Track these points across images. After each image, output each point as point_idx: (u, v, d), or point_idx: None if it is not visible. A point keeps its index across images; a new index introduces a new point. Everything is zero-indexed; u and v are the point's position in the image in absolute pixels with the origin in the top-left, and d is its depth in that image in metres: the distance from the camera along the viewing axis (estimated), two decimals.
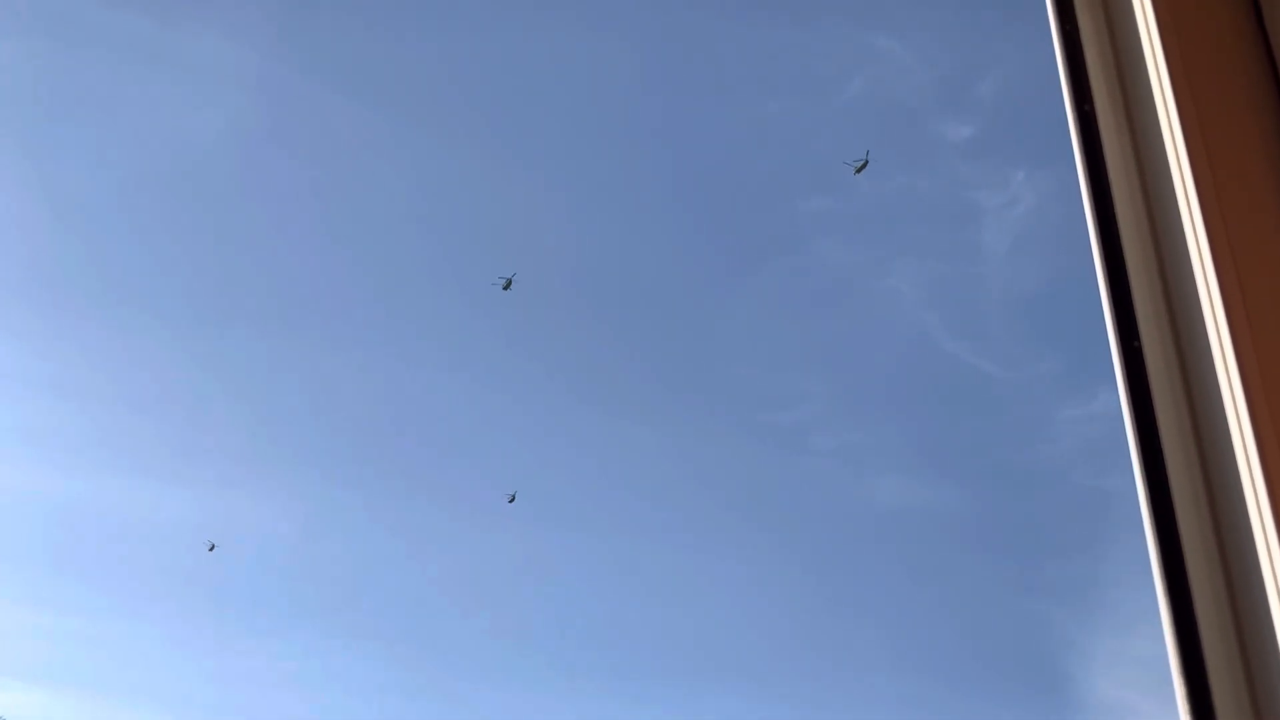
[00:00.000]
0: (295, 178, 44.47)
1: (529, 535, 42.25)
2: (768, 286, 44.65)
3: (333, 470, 46.42)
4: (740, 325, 44.05)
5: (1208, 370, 1.86)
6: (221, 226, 44.48)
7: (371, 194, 44.58)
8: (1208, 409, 1.85)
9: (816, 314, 46.10)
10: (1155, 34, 2.10)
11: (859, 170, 43.05)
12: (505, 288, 41.11)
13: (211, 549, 39.66)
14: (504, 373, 44.99)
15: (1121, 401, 1.93)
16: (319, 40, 43.46)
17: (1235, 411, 1.79)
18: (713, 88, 44.57)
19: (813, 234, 45.34)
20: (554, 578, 45.16)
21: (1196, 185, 1.94)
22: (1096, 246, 2.08)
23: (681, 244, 43.36)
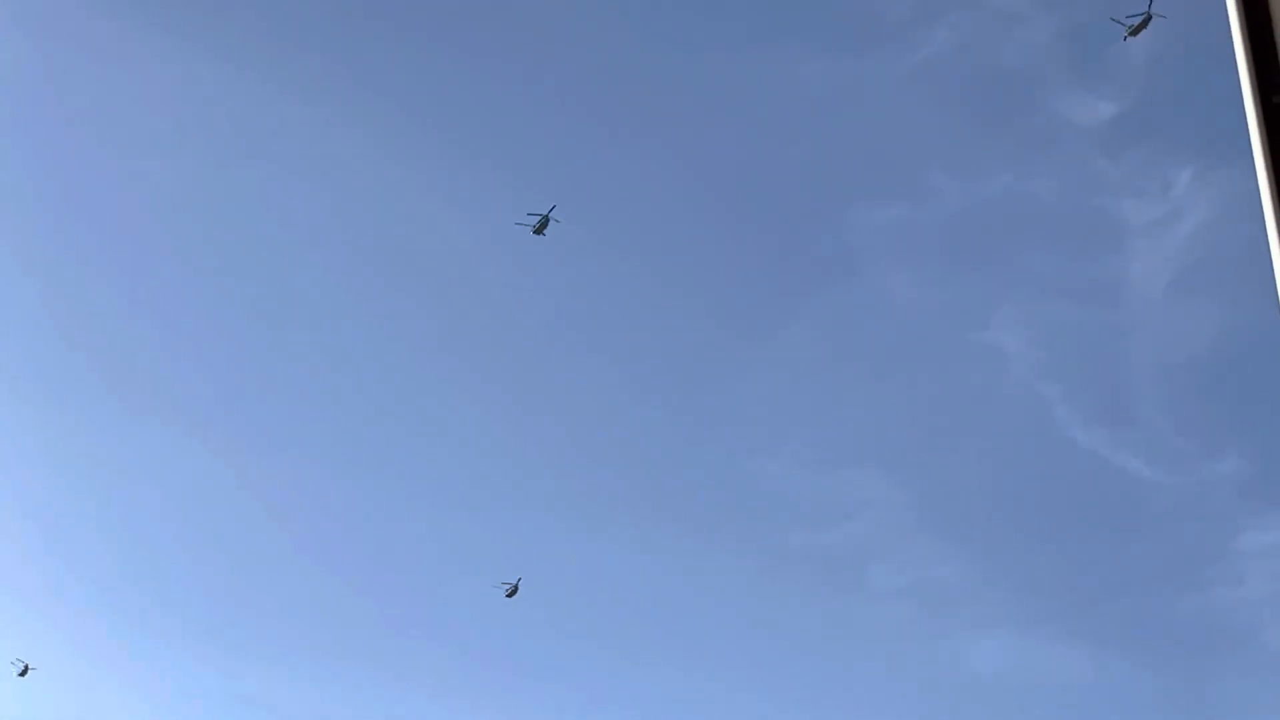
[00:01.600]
0: None
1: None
2: (806, 336, 32.81)
3: None
4: (767, 396, 32.72)
5: None
6: None
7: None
8: None
9: (877, 379, 31.00)
10: None
11: (1133, 33, 27.61)
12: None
13: (24, 672, 38.16)
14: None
15: None
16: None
17: None
18: (720, 39, 32.66)
19: (873, 257, 31.17)
20: None
21: None
22: None
23: (686, 272, 33.95)
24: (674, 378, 35.79)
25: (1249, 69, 1.68)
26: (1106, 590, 30.42)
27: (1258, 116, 1.69)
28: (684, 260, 35.86)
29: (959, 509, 32.15)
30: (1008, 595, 31.17)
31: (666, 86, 35.15)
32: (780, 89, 33.24)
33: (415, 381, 39.35)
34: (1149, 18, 29.35)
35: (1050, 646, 30.39)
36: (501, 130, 36.79)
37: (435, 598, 37.67)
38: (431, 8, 36.99)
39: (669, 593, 34.29)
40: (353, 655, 38.88)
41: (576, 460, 36.97)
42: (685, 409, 35.28)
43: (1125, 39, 29.56)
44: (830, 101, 32.74)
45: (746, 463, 32.80)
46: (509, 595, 35.44)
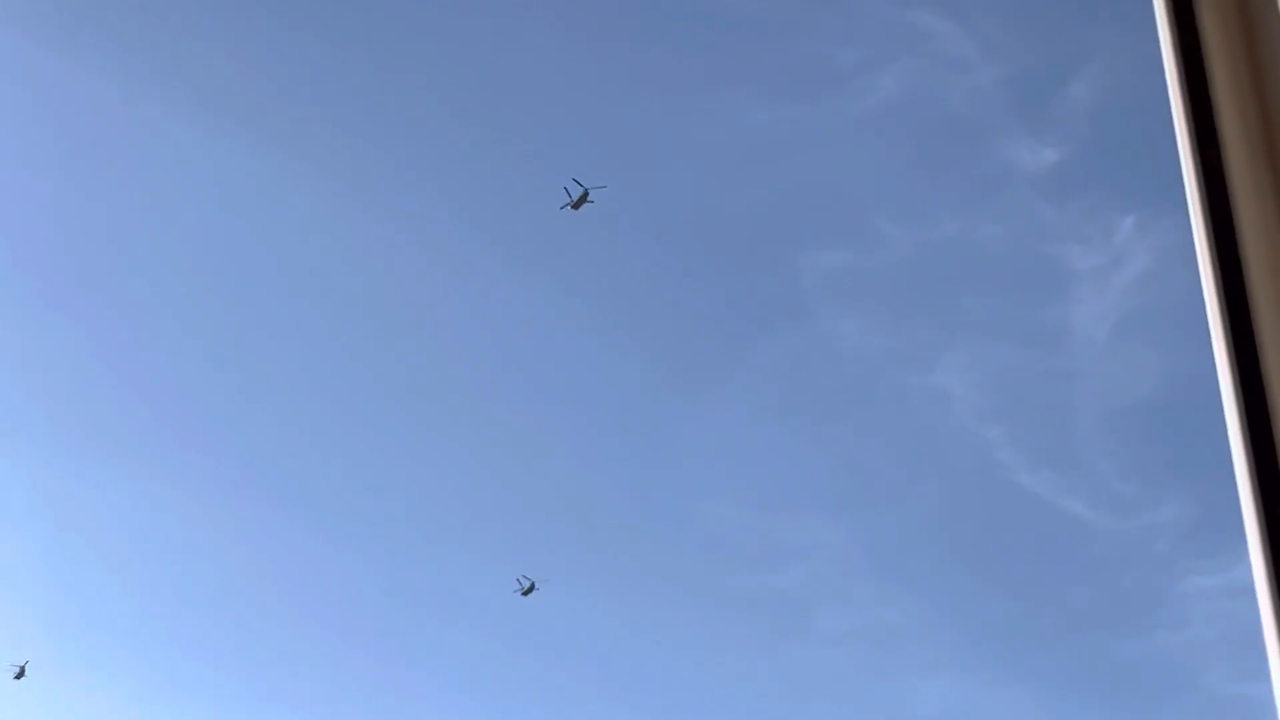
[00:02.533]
0: None
1: None
2: (754, 381, 31.73)
3: None
4: (715, 438, 31.89)
5: None
6: None
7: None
8: None
9: (824, 423, 30.80)
10: None
11: (525, 593, 29.59)
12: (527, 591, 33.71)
13: (20, 674, 36.73)
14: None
15: (1256, 572, 1.44)
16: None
17: None
18: (685, 84, 32.40)
19: (821, 302, 31.01)
20: None
21: None
22: (1221, 345, 1.49)
23: (633, 313, 33.28)
24: (621, 420, 35.45)
25: (1185, 120, 1.59)
26: (1051, 633, 29.85)
27: (1194, 172, 1.59)
28: (632, 303, 35.60)
29: (905, 552, 31.34)
30: (954, 638, 30.56)
31: (614, 131, 35.17)
32: (728, 134, 33.39)
33: (352, 420, 38.55)
34: (586, 194, 29.83)
35: (995, 689, 29.85)
36: (446, 169, 36.36)
37: (369, 640, 36.79)
38: (381, 32, 36.48)
39: (611, 635, 33.55)
40: (287, 697, 37.92)
41: (518, 501, 36.42)
42: (631, 451, 34.77)
43: (564, 207, 30.33)
44: (778, 147, 32.74)
45: (692, 505, 32.29)
46: (524, 594, 32.73)
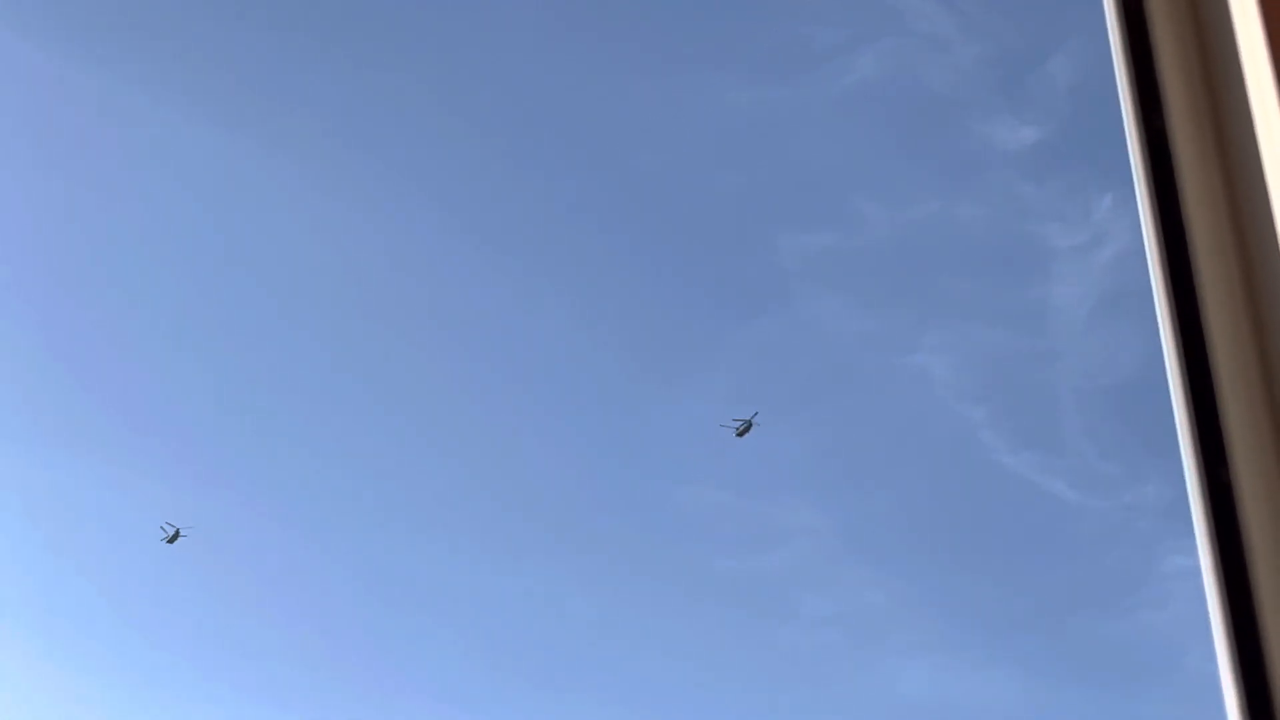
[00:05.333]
0: None
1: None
2: (734, 363, 31.71)
3: None
4: (694, 423, 30.94)
5: None
6: None
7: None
8: None
9: (805, 405, 30.60)
10: (1258, 13, 1.45)
11: (740, 433, 28.72)
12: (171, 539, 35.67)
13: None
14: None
15: (1202, 556, 1.45)
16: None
17: None
18: (663, 66, 32.32)
19: (802, 285, 30.78)
20: None
21: None
22: (1166, 319, 1.50)
23: (611, 299, 33.15)
24: (601, 404, 35.50)
25: (1129, 89, 1.57)
26: (1034, 614, 29.78)
27: (1138, 141, 1.57)
28: (612, 286, 35.63)
29: (888, 534, 31.29)
30: (936, 620, 30.52)
31: (593, 113, 35.14)
32: (707, 116, 33.47)
33: (329, 413, 38.42)
34: (749, 425, 29.40)
35: (978, 670, 30.05)
36: (419, 157, 36.24)
37: (357, 627, 36.76)
38: (355, 18, 36.23)
39: (593, 620, 33.60)
40: (258, 686, 37.88)
41: (500, 488, 36.37)
42: (612, 435, 34.85)
43: (738, 436, 29.74)
44: (757, 128, 32.82)
45: (673, 490, 32.38)
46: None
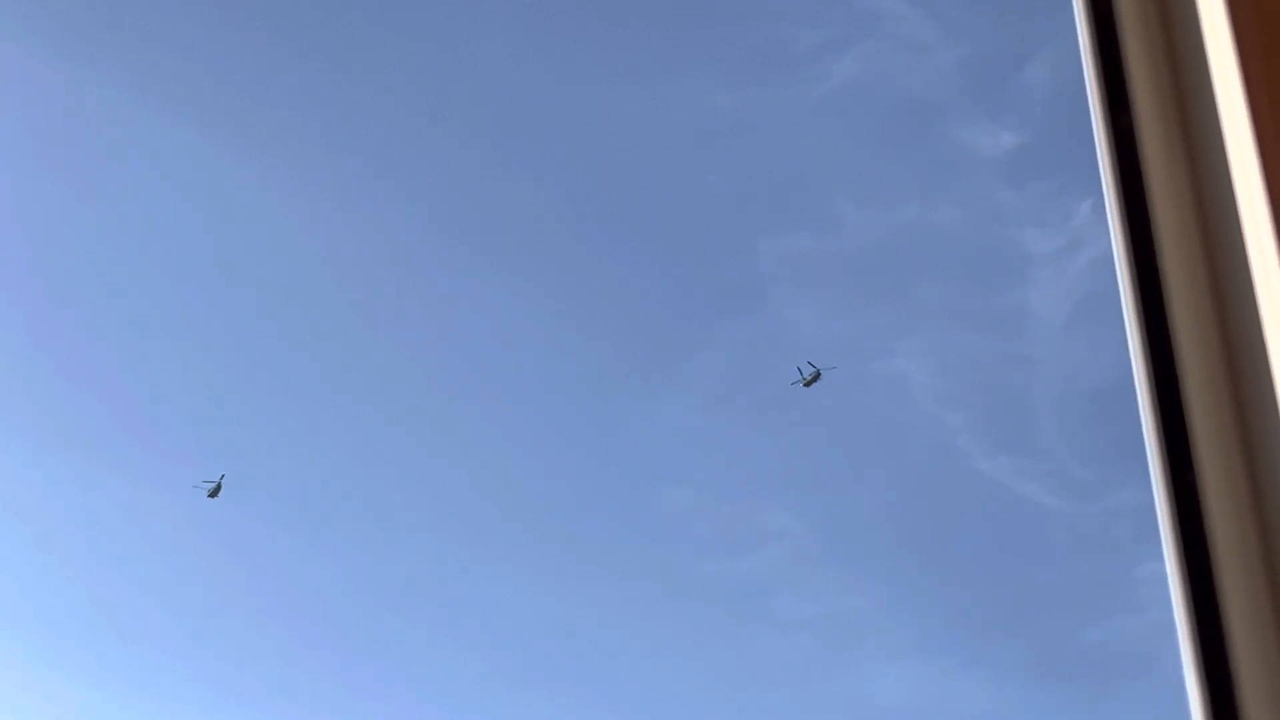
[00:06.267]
0: None
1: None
2: (712, 366, 31.71)
3: None
4: (672, 425, 31.84)
5: None
6: None
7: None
8: None
9: (784, 410, 29.91)
10: (1224, 11, 1.44)
11: (808, 383, 28.72)
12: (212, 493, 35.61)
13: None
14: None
15: (1169, 567, 1.44)
16: None
17: None
18: (643, 67, 32.58)
19: (778, 288, 31.13)
20: None
21: None
22: (1133, 326, 1.48)
23: (591, 300, 33.16)
24: (579, 406, 35.48)
25: (1097, 87, 1.56)
26: (1010, 618, 29.72)
27: (1106, 141, 1.57)
28: (591, 287, 35.62)
29: (865, 538, 31.11)
30: (912, 624, 30.32)
31: (572, 115, 35.09)
32: (687, 117, 33.50)
33: (308, 412, 38.20)
34: (817, 375, 28.93)
35: (954, 675, 29.87)
36: (397, 157, 36.12)
37: (325, 631, 36.60)
38: (332, 16, 36.01)
39: (571, 622, 33.58)
40: (244, 692, 37.68)
41: (477, 490, 36.27)
42: (590, 437, 34.86)
43: (805, 385, 29.08)
44: (737, 130, 32.85)
45: (651, 492, 32.39)
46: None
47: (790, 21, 33.07)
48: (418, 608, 36.47)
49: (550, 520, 34.74)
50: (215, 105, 37.89)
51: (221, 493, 36.99)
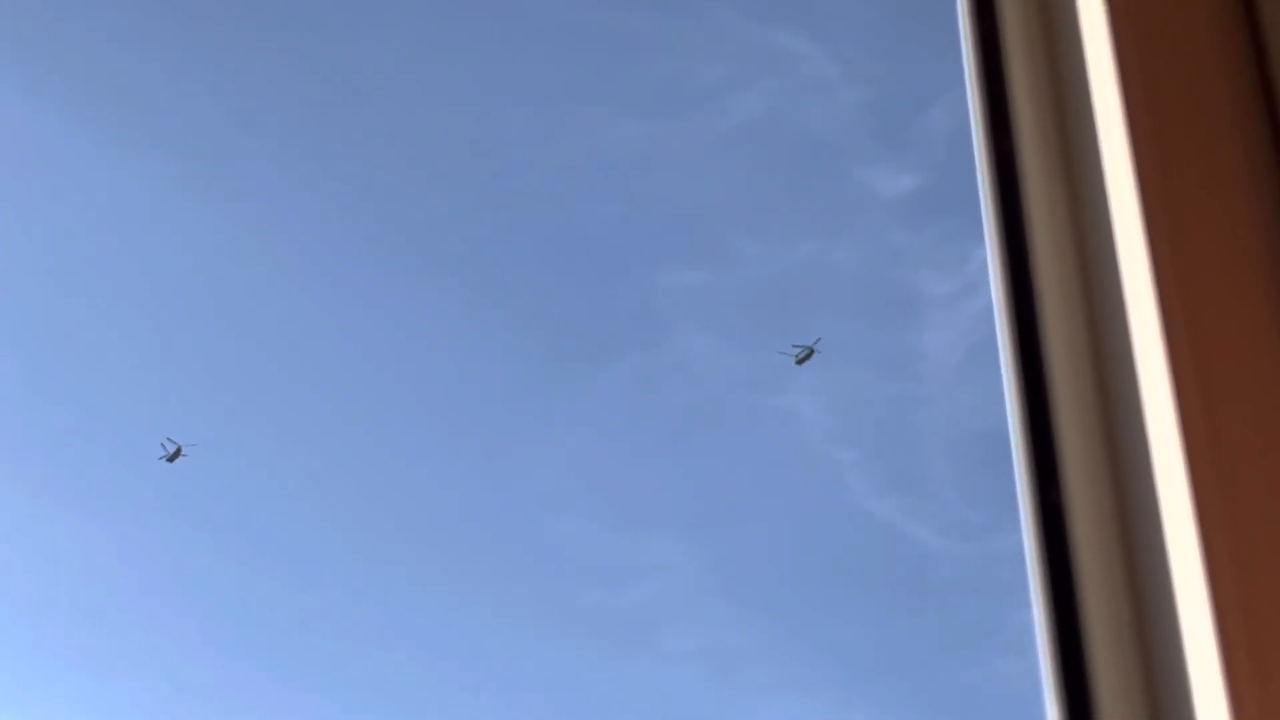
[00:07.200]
0: None
1: None
2: (604, 399, 32.26)
3: None
4: (560, 455, 32.38)
5: (1158, 559, 1.30)
6: None
7: None
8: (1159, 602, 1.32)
9: (675, 443, 31.25)
10: (1108, 37, 1.44)
11: (800, 361, 29.64)
12: None
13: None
14: None
15: (1034, 594, 1.42)
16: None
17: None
18: (542, 97, 32.74)
19: (677, 320, 31.24)
20: None
21: (1157, 277, 1.35)
22: (1010, 363, 1.47)
23: (482, 330, 33.37)
24: (466, 433, 35.57)
25: (980, 111, 1.57)
26: (893, 658, 30.04)
27: (987, 167, 1.58)
28: (484, 315, 35.65)
29: (752, 573, 31.51)
30: (797, 660, 30.61)
31: (469, 144, 35.15)
32: (586, 149, 33.87)
33: (195, 424, 37.78)
34: (811, 351, 29.52)
35: (836, 712, 29.57)
36: (296, 171, 35.91)
37: (215, 646, 36.00)
38: (237, 24, 35.67)
39: (451, 649, 33.51)
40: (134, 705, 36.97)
41: (356, 515, 36.05)
42: (479, 463, 34.97)
43: (797, 364, 29.62)
44: (637, 163, 33.23)
45: (537, 520, 32.57)
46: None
47: (692, 56, 33.58)
48: (296, 623, 36.16)
49: (436, 543, 34.74)
50: (90, 105, 37.40)
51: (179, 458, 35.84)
